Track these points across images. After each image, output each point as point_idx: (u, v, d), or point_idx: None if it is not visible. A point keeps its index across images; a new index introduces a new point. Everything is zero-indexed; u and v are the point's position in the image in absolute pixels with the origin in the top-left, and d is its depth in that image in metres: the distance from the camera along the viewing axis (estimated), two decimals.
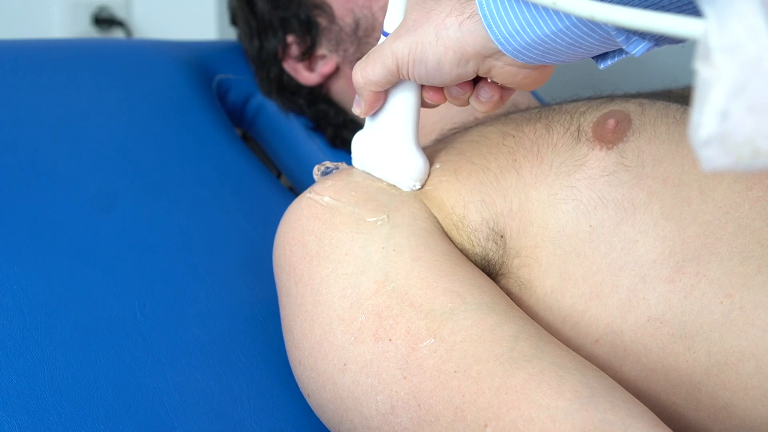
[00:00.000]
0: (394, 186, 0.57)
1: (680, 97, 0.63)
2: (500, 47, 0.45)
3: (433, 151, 0.60)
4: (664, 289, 0.50)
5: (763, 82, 0.26)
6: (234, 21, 0.97)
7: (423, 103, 0.56)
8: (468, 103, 0.54)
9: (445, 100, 0.54)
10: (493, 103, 0.53)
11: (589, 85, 0.63)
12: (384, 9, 0.80)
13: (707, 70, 0.27)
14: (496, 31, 0.45)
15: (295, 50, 0.88)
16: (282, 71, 0.90)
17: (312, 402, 0.55)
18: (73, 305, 0.60)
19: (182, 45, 0.97)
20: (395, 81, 0.53)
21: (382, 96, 0.55)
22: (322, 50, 0.87)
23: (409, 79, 0.52)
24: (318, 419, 0.57)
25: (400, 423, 0.47)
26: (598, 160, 0.53)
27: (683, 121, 0.55)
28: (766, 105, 0.26)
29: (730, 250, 0.49)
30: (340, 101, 0.91)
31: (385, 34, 0.54)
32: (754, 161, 0.27)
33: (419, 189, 0.57)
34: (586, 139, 0.54)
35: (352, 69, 0.84)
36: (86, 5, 1.43)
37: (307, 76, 0.89)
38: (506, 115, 0.61)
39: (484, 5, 0.44)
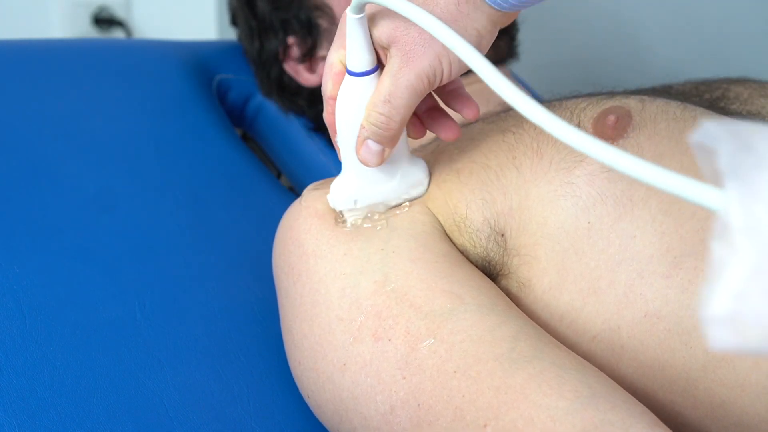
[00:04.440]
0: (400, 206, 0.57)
1: (680, 93, 0.63)
2: (497, 8, 0.46)
3: (434, 148, 0.60)
4: (662, 285, 0.50)
5: None
6: (234, 21, 0.97)
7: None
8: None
9: (425, 133, 0.55)
10: (476, 117, 0.54)
11: (589, 82, 0.63)
12: None
13: (724, 249, 0.27)
14: None
15: (295, 51, 0.88)
16: (282, 72, 0.90)
17: (311, 402, 0.55)
18: (73, 305, 0.60)
19: (182, 45, 0.97)
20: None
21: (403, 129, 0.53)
22: (323, 51, 0.87)
23: (442, 83, 0.50)
24: (318, 420, 0.57)
25: (400, 423, 0.47)
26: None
27: (683, 117, 0.55)
28: None
29: None
30: None
31: (356, 74, 0.50)
32: (763, 344, 0.27)
33: (425, 192, 0.57)
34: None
35: None
36: (86, 5, 1.44)
37: (307, 78, 0.89)
38: (506, 111, 0.61)
39: None
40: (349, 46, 0.50)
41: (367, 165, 0.52)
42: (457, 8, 0.47)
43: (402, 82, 0.49)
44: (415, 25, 0.47)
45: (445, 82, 0.50)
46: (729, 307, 0.27)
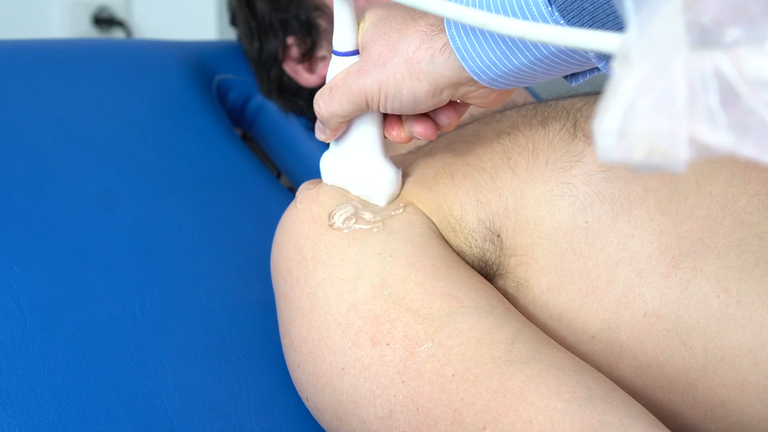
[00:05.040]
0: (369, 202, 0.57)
1: None
2: (476, 78, 0.46)
3: (429, 150, 0.60)
4: (660, 284, 0.50)
5: (670, 84, 0.27)
6: (234, 22, 0.97)
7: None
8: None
9: (410, 139, 0.55)
10: (454, 125, 0.53)
11: (586, 81, 0.63)
12: None
13: (622, 68, 0.28)
14: (471, 63, 0.45)
15: (295, 52, 0.88)
16: (282, 72, 0.90)
17: (310, 405, 0.55)
18: (73, 305, 0.60)
19: (182, 45, 0.97)
20: (362, 111, 0.53)
21: (347, 123, 0.55)
22: (322, 52, 0.87)
23: (380, 111, 0.51)
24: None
25: (399, 427, 0.47)
26: (594, 156, 0.53)
27: None
28: (669, 106, 0.27)
29: (726, 244, 0.49)
30: None
31: (337, 53, 0.52)
32: (648, 158, 0.27)
33: (393, 202, 0.57)
34: (583, 135, 0.54)
35: None
36: (86, 5, 1.44)
37: (307, 78, 0.89)
38: (501, 111, 0.61)
39: (457, 39, 0.45)
40: (335, 27, 0.52)
41: (317, 136, 0.55)
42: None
43: (347, 83, 0.50)
44: (382, 45, 0.49)
45: (382, 110, 0.51)
46: (619, 120, 0.27)
